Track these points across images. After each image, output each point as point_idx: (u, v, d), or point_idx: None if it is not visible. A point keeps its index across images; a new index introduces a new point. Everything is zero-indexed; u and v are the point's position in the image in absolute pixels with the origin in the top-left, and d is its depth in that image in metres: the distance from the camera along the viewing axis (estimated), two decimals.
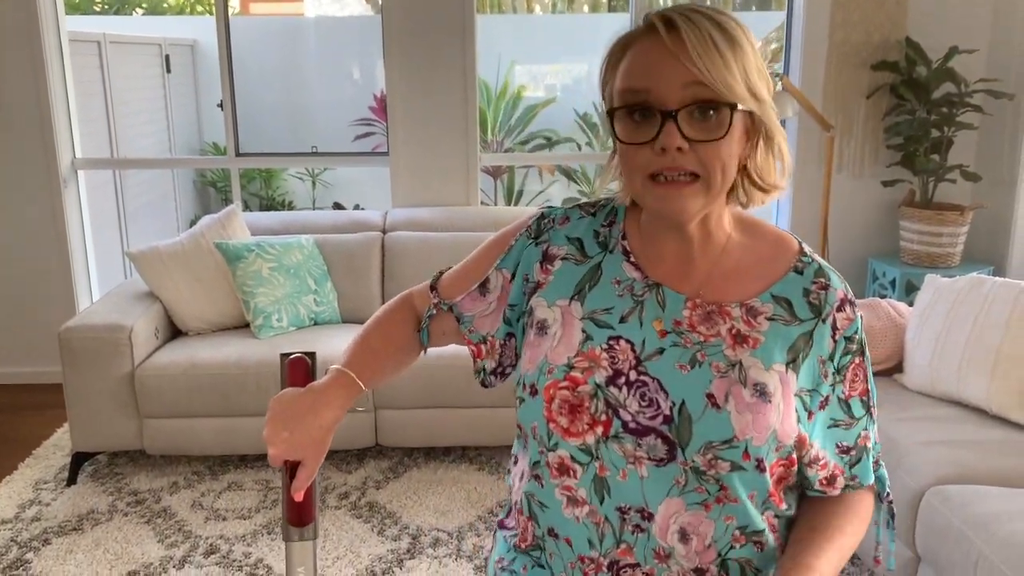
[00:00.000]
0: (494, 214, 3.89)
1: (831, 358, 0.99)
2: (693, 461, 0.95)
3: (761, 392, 0.95)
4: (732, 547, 1.00)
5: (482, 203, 4.15)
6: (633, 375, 0.98)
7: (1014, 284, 2.52)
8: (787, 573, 0.95)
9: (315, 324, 3.34)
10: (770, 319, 0.99)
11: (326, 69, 8.31)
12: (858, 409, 1.02)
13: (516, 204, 7.71)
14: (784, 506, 1.03)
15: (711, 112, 0.91)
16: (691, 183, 0.93)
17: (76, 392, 2.98)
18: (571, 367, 1.00)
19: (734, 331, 0.98)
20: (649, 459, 0.97)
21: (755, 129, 0.97)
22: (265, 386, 2.98)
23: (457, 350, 3.02)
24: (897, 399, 2.61)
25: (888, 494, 1.08)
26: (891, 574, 2.28)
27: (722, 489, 0.97)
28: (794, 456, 0.99)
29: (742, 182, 0.99)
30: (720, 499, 0.97)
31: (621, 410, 0.97)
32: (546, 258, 1.08)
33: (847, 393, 1.01)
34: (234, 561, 2.59)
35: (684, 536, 0.98)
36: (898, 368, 2.78)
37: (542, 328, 1.05)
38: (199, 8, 10.90)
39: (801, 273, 1.01)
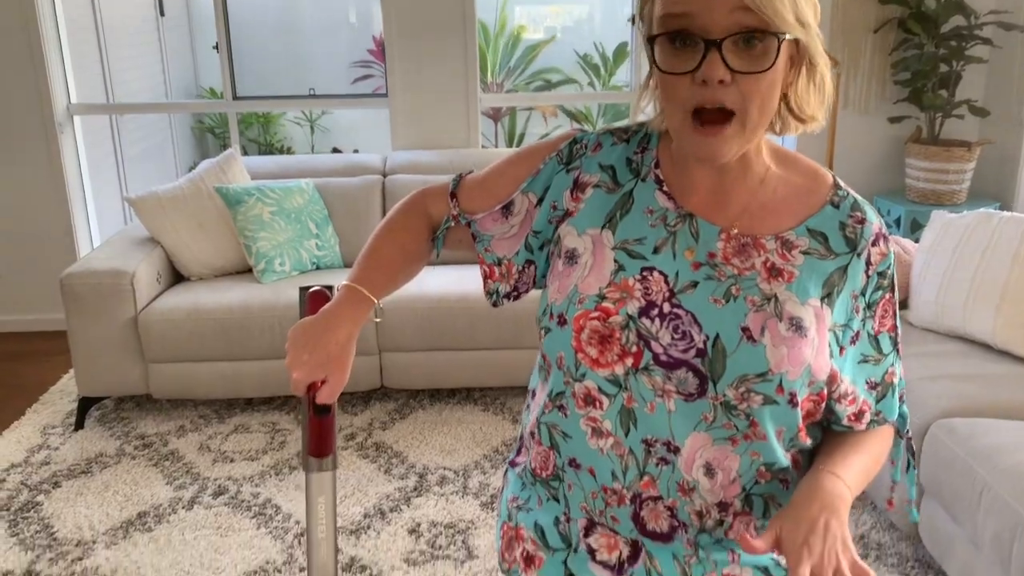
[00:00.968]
0: (495, 156, 3.84)
1: (863, 293, 0.97)
2: (725, 395, 0.94)
3: (797, 326, 0.93)
4: (757, 482, 0.99)
5: (482, 147, 4.10)
6: (667, 307, 0.96)
7: (1022, 219, 2.49)
8: (814, 480, 0.95)
9: (317, 268, 3.33)
10: (805, 253, 0.96)
11: (322, 13, 8.17)
12: (887, 345, 1.01)
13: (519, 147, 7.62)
14: (809, 441, 1.02)
15: (756, 41, 0.86)
16: (727, 125, 0.89)
17: (80, 338, 2.98)
18: (603, 297, 0.98)
19: (768, 264, 0.96)
20: (678, 393, 0.96)
21: (799, 57, 0.92)
22: (270, 330, 2.98)
23: (463, 293, 3.03)
24: (903, 335, 2.60)
25: (908, 432, 1.07)
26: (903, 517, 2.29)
27: (751, 425, 0.96)
28: (824, 392, 0.98)
29: (779, 110, 0.95)
30: (748, 435, 0.96)
31: (653, 342, 0.95)
32: (577, 186, 1.05)
33: (876, 329, 1.00)
34: (243, 501, 2.62)
35: (709, 470, 0.98)
36: (903, 305, 2.77)
37: (571, 257, 1.02)
38: None
39: (837, 207, 0.98)
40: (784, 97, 0.94)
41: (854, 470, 0.97)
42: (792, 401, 0.94)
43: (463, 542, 2.42)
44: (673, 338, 0.95)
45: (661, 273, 0.97)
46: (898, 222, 3.73)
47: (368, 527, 2.49)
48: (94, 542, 2.43)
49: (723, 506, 0.99)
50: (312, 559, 1.12)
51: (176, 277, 3.31)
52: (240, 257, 3.29)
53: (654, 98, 0.98)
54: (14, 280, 3.99)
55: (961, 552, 2.02)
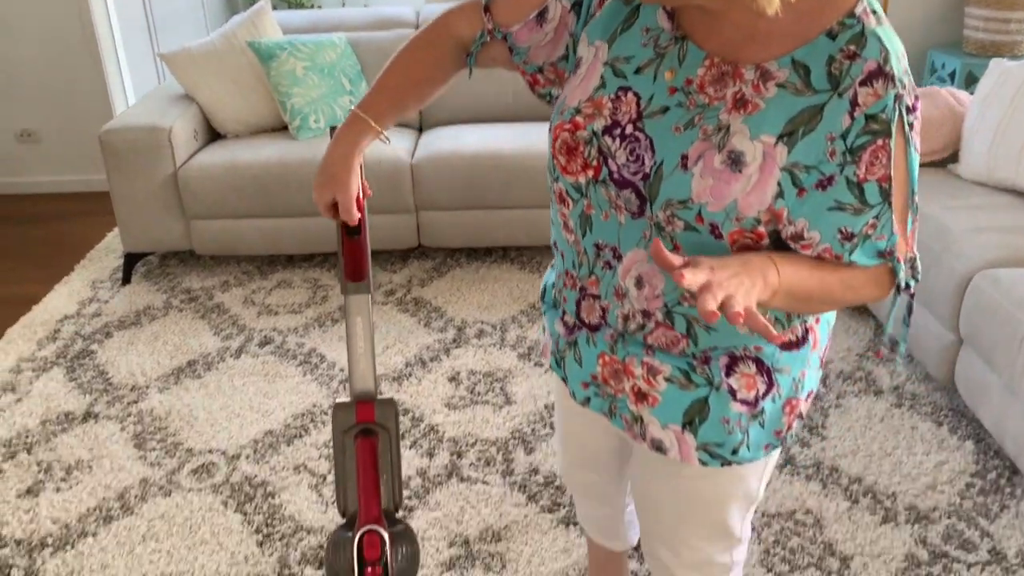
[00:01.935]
0: None
1: (844, 136, 0.89)
2: (656, 216, 0.97)
3: (734, 160, 0.92)
4: (679, 303, 1.03)
5: None
6: (629, 129, 0.99)
7: None
8: (751, 254, 0.92)
9: None
10: (780, 86, 0.91)
11: None
12: (873, 195, 0.92)
13: None
14: None
15: None
16: None
17: (122, 195, 3.02)
18: (578, 111, 1.03)
19: (738, 95, 0.93)
20: (626, 209, 1.01)
21: None
22: (307, 187, 2.99)
23: (497, 150, 3.00)
24: (950, 188, 2.54)
25: (911, 288, 1.01)
26: (931, 353, 2.30)
27: (675, 248, 0.98)
28: (760, 229, 0.93)
29: None
30: None
31: (610, 160, 1.00)
32: None
33: (862, 176, 0.91)
34: (288, 351, 2.70)
35: (639, 282, 1.04)
36: (953, 158, 2.69)
37: (577, 65, 1.06)
38: None
39: (834, 38, 0.89)
40: None
41: (796, 275, 0.92)
42: (715, 232, 0.94)
43: (501, 389, 2.48)
44: (628, 159, 0.99)
45: (635, 94, 0.99)
46: (952, 76, 3.58)
47: (409, 375, 2.56)
48: (147, 387, 2.53)
49: (647, 314, 1.06)
50: (353, 371, 1.20)
51: (212, 135, 3.30)
52: (275, 114, 3.27)
53: None
54: (54, 141, 4.02)
55: (996, 399, 2.03)
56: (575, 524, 1.97)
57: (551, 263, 1.29)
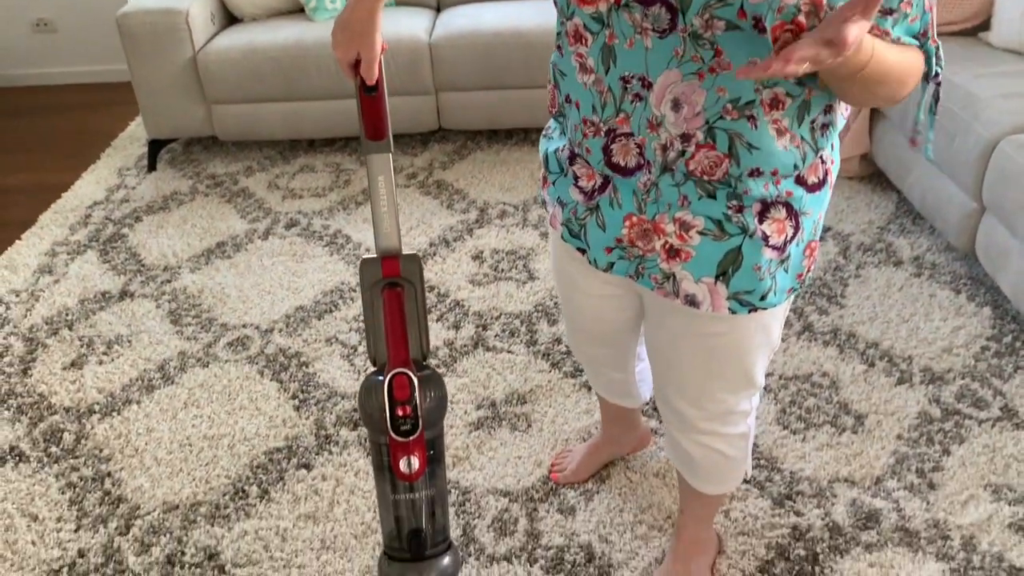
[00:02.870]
0: None
1: None
2: (692, 24, 0.95)
3: None
4: (721, 118, 1.02)
5: None
6: None
7: None
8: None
9: None
10: None
11: None
12: None
13: None
14: (794, 80, 0.99)
15: None
16: None
17: (143, 80, 3.02)
18: None
19: None
20: (654, 30, 0.98)
21: None
22: (326, 69, 2.97)
23: (517, 27, 2.95)
24: (980, 57, 2.49)
25: (938, 75, 1.01)
26: (952, 222, 2.31)
27: (716, 55, 0.96)
28: (802, 19, 0.88)
29: None
30: (713, 68, 0.98)
31: None
32: None
33: None
34: (314, 232, 2.74)
35: (676, 105, 1.02)
36: (984, 26, 2.63)
37: None
38: None
39: None
40: None
41: (879, 43, 0.90)
42: (757, 26, 0.92)
43: (524, 266, 2.52)
44: None
45: None
46: None
47: (434, 254, 2.61)
48: (179, 267, 2.60)
49: (686, 137, 1.04)
50: (378, 229, 1.23)
51: (230, 18, 3.27)
52: None
53: None
54: (71, 30, 3.99)
55: (1016, 264, 2.05)
56: None
57: (544, 132, 1.28)
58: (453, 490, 1.79)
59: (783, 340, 2.15)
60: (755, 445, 1.85)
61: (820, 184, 1.10)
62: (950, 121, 2.25)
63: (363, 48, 1.17)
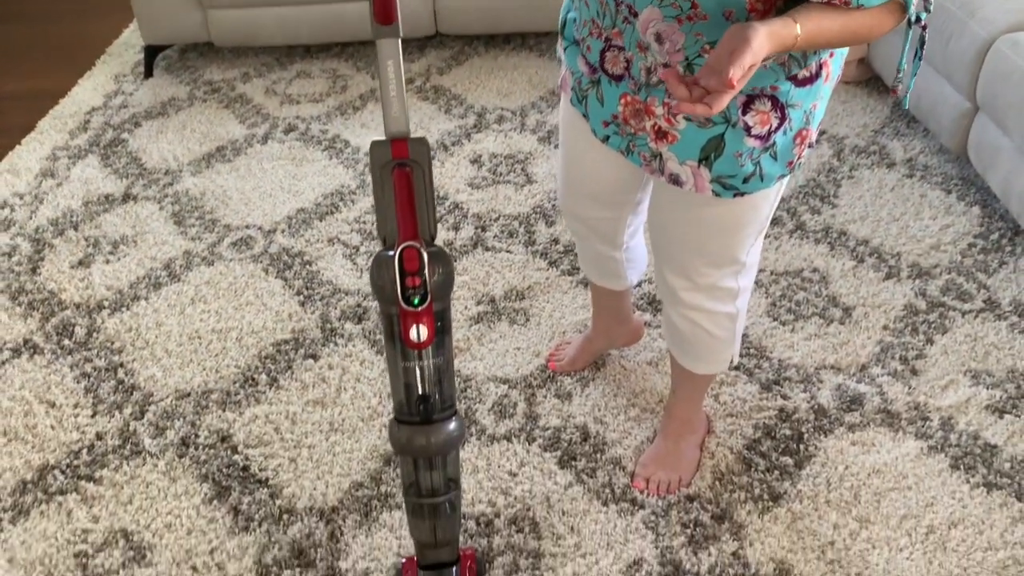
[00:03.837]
0: None
1: None
2: None
3: None
4: (700, 56, 1.06)
5: None
6: None
7: None
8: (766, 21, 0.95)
9: None
10: None
11: None
12: None
13: None
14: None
15: None
16: None
17: None
18: None
19: None
20: None
21: None
22: None
23: None
24: None
25: (923, 21, 1.04)
26: (945, 123, 2.33)
27: (693, 7, 1.01)
28: None
29: None
30: (691, 16, 1.02)
31: None
32: None
33: None
34: (313, 137, 2.76)
35: (659, 38, 1.08)
36: None
37: None
38: None
39: None
40: None
41: (816, 25, 0.96)
42: None
43: (522, 170, 2.55)
44: None
45: None
46: None
47: (433, 158, 2.62)
48: (180, 171, 2.62)
49: (668, 67, 1.10)
50: (387, 113, 1.25)
51: None
52: None
53: None
54: None
55: (1006, 162, 2.09)
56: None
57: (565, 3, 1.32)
58: (455, 378, 1.87)
59: (776, 238, 2.20)
60: (745, 335, 1.92)
61: (812, 78, 1.13)
62: (946, 21, 2.26)
63: None
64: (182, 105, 2.98)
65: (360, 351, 1.95)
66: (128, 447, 1.76)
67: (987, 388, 1.77)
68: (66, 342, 2.02)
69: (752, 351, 1.89)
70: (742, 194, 1.19)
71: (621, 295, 1.76)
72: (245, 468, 1.71)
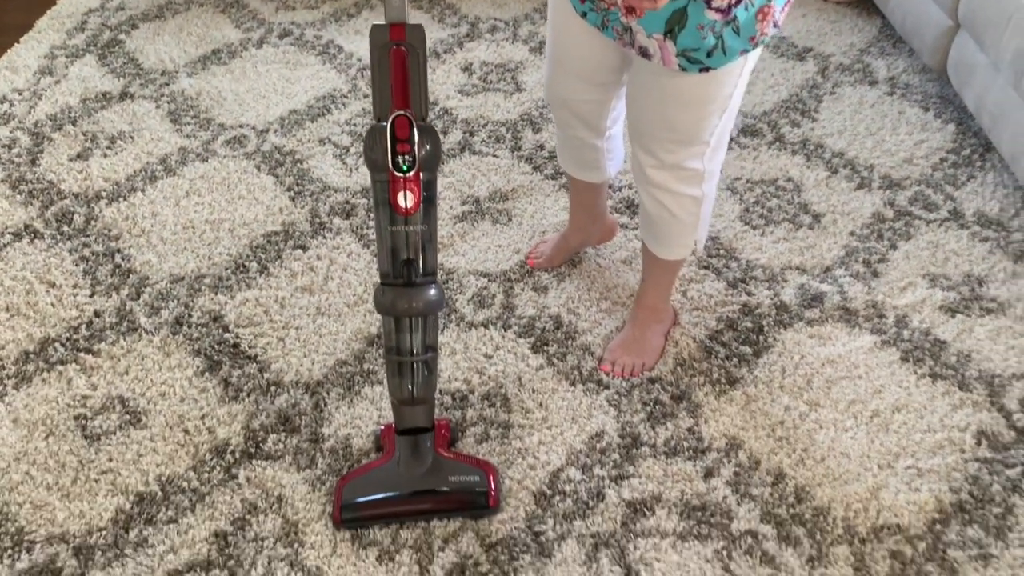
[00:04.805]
0: None
1: None
2: None
3: None
4: None
5: None
6: None
7: None
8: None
9: None
10: None
11: None
12: None
13: None
14: None
15: None
16: None
17: None
18: None
19: None
20: None
21: None
22: None
23: None
24: None
25: None
26: (928, 42, 2.38)
27: None
28: None
29: None
30: None
31: None
32: None
33: None
34: (307, 42, 2.80)
35: None
36: None
37: None
38: None
39: None
40: None
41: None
42: None
43: (512, 78, 2.60)
44: None
45: None
46: None
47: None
48: (176, 72, 2.67)
49: None
50: (388, 3, 1.30)
51: None
52: None
53: None
54: None
55: (980, 77, 2.14)
56: None
57: None
58: (437, 251, 1.95)
59: (754, 149, 2.26)
60: (716, 237, 2.00)
61: None
62: None
63: None
64: (179, 8, 3.00)
65: (348, 244, 2.03)
66: (125, 324, 1.85)
67: (943, 290, 1.85)
68: (65, 228, 2.10)
69: (722, 252, 1.97)
70: (707, 69, 1.26)
71: (598, 191, 1.83)
72: (235, 345, 1.81)
